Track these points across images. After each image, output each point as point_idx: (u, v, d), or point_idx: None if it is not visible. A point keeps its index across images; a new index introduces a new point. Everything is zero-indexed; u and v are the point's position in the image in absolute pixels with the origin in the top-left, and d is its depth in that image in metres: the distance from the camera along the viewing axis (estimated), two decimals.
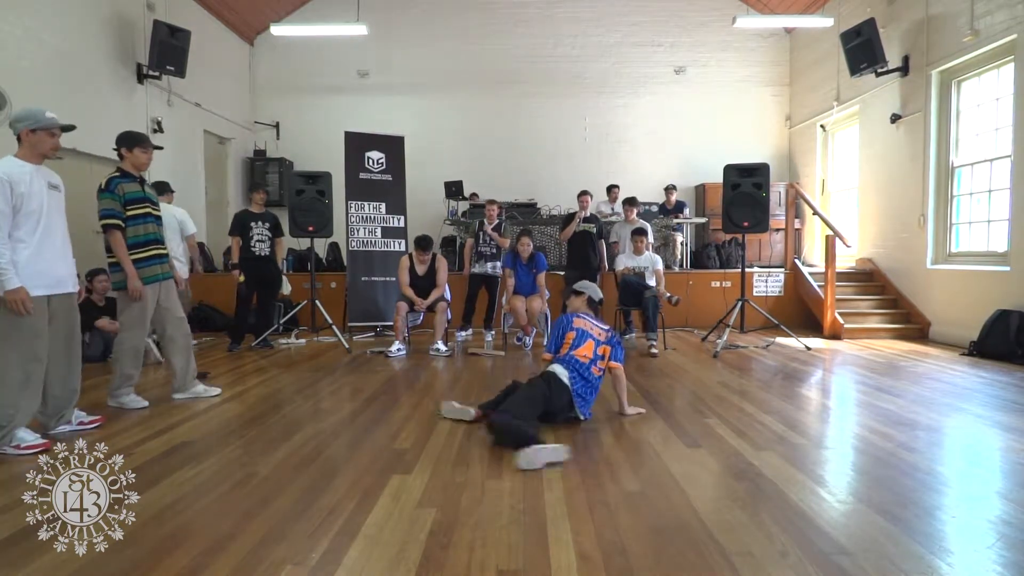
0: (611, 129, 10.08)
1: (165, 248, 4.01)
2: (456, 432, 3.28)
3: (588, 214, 6.93)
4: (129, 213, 3.77)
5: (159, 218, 3.99)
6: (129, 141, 3.82)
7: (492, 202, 7.10)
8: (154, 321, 3.98)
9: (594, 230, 6.84)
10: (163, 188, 5.76)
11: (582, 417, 3.45)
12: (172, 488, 2.51)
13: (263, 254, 6.26)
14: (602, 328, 3.63)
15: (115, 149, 3.88)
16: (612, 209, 8.70)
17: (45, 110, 3.16)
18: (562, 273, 7.33)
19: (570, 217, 6.95)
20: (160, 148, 4.22)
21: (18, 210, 3.01)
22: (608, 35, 9.99)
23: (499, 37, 9.96)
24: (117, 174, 3.81)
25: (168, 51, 7.03)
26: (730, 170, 6.27)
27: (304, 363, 5.53)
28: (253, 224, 6.26)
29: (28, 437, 3.03)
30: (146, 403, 3.94)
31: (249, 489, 2.50)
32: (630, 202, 7.16)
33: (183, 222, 5.70)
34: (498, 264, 6.88)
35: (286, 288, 6.82)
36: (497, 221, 6.98)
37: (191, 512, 2.28)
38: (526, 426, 2.96)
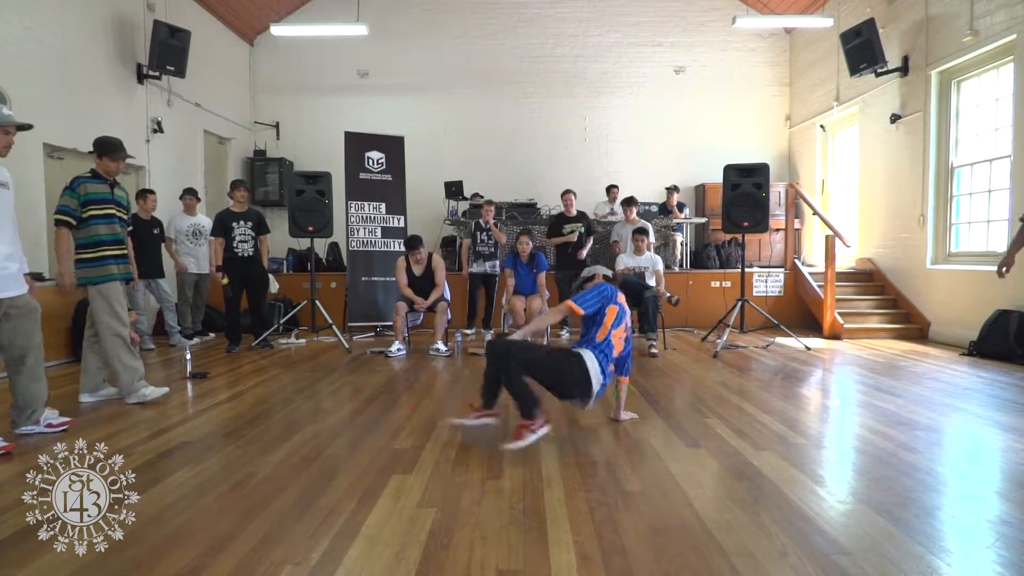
0: (611, 129, 10.07)
1: (125, 249, 4.04)
2: (456, 432, 3.28)
3: (575, 212, 6.98)
4: (92, 212, 3.81)
5: (124, 220, 4.04)
6: (100, 148, 3.88)
7: (490, 203, 7.11)
8: (92, 317, 3.94)
9: (582, 228, 6.86)
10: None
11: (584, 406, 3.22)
12: (172, 488, 2.51)
13: (246, 255, 6.19)
14: (629, 320, 3.40)
15: (90, 152, 3.94)
16: (611, 209, 8.70)
17: (2, 108, 3.14)
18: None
19: (557, 221, 6.98)
20: (132, 157, 4.27)
21: None
22: (608, 35, 9.99)
23: (499, 37, 9.96)
24: (87, 174, 3.87)
25: (168, 51, 7.02)
26: (730, 170, 6.28)
27: (304, 363, 5.53)
28: (235, 224, 6.17)
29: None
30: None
31: (249, 489, 2.50)
32: (629, 202, 7.17)
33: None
34: (496, 263, 6.89)
35: (273, 287, 6.77)
36: (493, 221, 6.97)
37: (191, 512, 2.28)
38: (532, 402, 2.97)
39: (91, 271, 3.83)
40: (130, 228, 4.22)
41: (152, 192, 6.39)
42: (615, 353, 3.23)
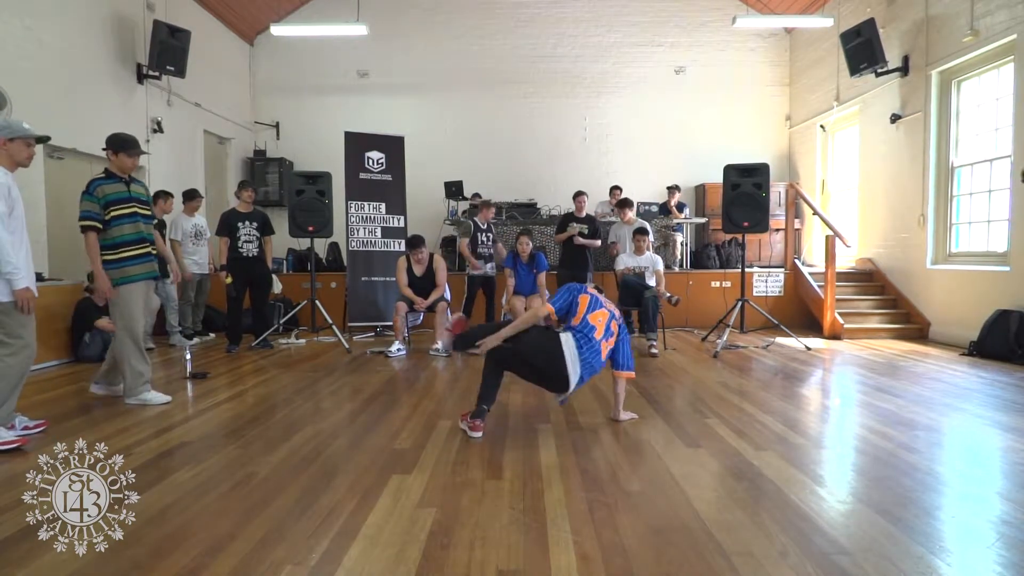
0: (611, 129, 10.08)
1: (154, 248, 4.04)
2: (456, 432, 3.28)
3: (584, 215, 6.95)
4: (113, 213, 3.80)
5: (149, 217, 4.02)
6: (115, 144, 3.86)
7: (488, 203, 7.08)
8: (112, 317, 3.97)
9: (586, 230, 6.85)
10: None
11: (560, 399, 3.35)
12: (172, 488, 2.51)
13: (251, 255, 6.19)
14: (614, 310, 3.42)
15: (104, 149, 3.92)
16: (612, 209, 8.70)
17: (23, 122, 3.28)
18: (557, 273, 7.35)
19: (566, 220, 6.96)
20: (147, 153, 4.27)
21: (6, 214, 3.10)
22: (608, 35, 9.99)
23: (499, 37, 9.96)
24: (101, 175, 3.87)
25: (168, 51, 7.02)
26: (730, 170, 6.28)
27: (304, 363, 5.53)
28: (240, 224, 6.18)
29: (3, 435, 3.07)
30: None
31: (249, 489, 2.50)
32: (623, 204, 7.17)
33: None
34: (494, 265, 6.88)
35: (277, 287, 6.73)
36: (489, 223, 6.91)
37: (191, 512, 2.28)
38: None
39: (111, 273, 3.82)
40: (156, 223, 4.22)
41: (171, 195, 6.39)
42: (596, 335, 3.24)
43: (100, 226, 3.77)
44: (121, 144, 3.86)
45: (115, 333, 3.94)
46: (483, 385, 3.26)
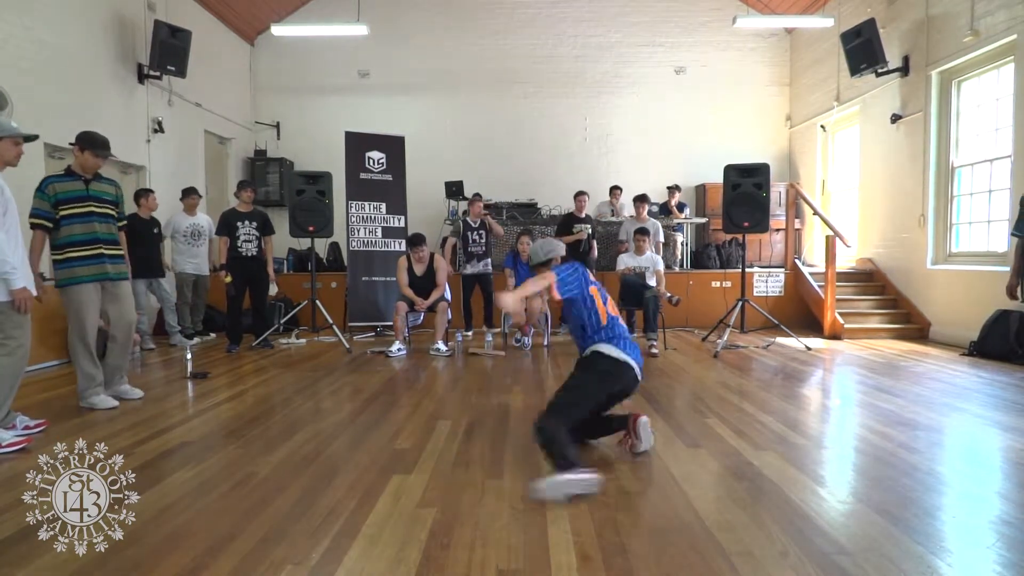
0: (611, 129, 10.08)
1: (115, 248, 3.90)
2: (456, 432, 3.28)
3: (584, 215, 6.96)
4: (64, 212, 3.69)
5: (110, 216, 3.89)
6: (84, 141, 3.77)
7: (477, 197, 7.06)
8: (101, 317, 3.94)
9: (589, 230, 6.86)
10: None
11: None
12: (172, 488, 2.51)
13: (250, 254, 6.20)
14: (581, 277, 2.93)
15: (71, 144, 3.85)
16: (612, 210, 8.71)
17: (10, 121, 3.25)
18: None
19: (567, 221, 6.96)
20: (114, 156, 4.24)
21: (1, 214, 3.08)
22: (608, 35, 9.99)
23: (499, 37, 9.96)
24: (60, 173, 3.81)
25: (169, 51, 7.02)
26: (730, 170, 6.28)
27: (304, 363, 5.53)
28: (239, 224, 6.19)
29: (6, 436, 3.06)
30: (116, 403, 3.87)
31: (249, 489, 2.50)
32: (642, 199, 7.16)
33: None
34: (489, 262, 6.86)
35: (272, 290, 6.70)
36: (481, 219, 6.89)
37: (191, 512, 2.28)
38: (568, 447, 2.51)
39: (58, 274, 3.75)
40: (123, 223, 4.05)
41: (151, 191, 6.40)
42: (621, 322, 2.96)
43: (50, 225, 3.68)
44: (90, 142, 3.76)
45: (68, 336, 3.83)
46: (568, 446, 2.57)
